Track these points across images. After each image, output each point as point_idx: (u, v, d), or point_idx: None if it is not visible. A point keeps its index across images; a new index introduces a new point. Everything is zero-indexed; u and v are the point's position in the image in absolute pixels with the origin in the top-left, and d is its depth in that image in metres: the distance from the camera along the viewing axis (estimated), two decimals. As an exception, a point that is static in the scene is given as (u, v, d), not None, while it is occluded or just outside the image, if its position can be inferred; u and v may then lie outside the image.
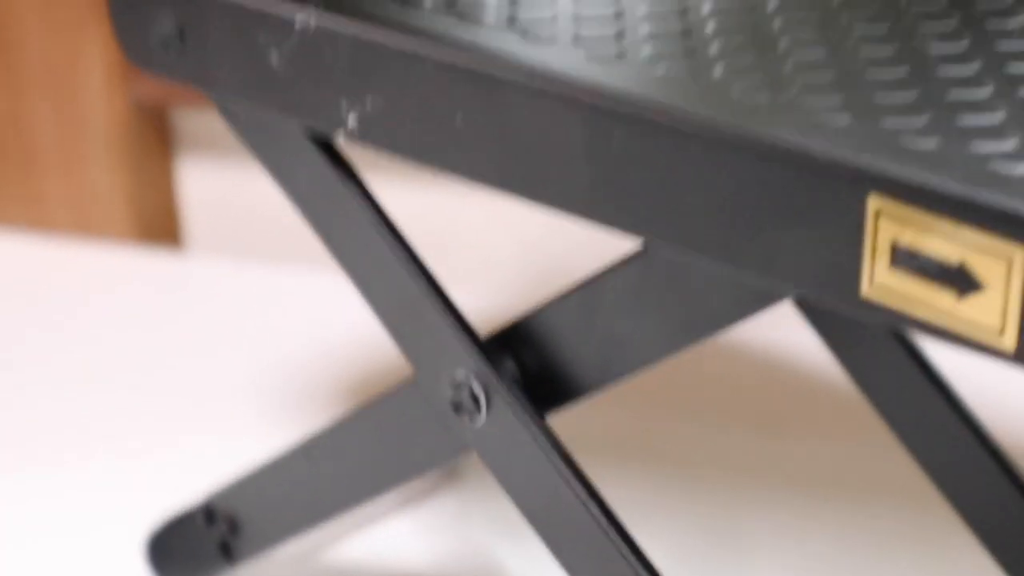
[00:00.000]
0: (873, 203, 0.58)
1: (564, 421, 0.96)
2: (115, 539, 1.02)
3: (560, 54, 0.67)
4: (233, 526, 0.91)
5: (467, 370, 0.75)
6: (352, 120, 0.73)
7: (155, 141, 1.38)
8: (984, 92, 0.64)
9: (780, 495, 1.05)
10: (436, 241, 1.27)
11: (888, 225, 0.58)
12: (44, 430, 1.14)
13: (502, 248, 1.29)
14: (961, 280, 0.57)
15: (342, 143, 0.78)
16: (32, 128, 1.39)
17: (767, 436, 1.10)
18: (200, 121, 1.36)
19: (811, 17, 0.71)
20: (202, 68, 0.79)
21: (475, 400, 0.75)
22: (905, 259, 0.58)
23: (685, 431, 1.11)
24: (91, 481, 1.08)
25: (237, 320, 1.28)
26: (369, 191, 0.78)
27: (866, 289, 0.59)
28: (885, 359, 0.90)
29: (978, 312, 0.57)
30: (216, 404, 1.17)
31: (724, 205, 0.62)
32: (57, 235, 1.40)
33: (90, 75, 1.36)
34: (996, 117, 0.62)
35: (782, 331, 1.16)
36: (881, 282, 0.59)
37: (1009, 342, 0.57)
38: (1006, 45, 0.68)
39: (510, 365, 0.77)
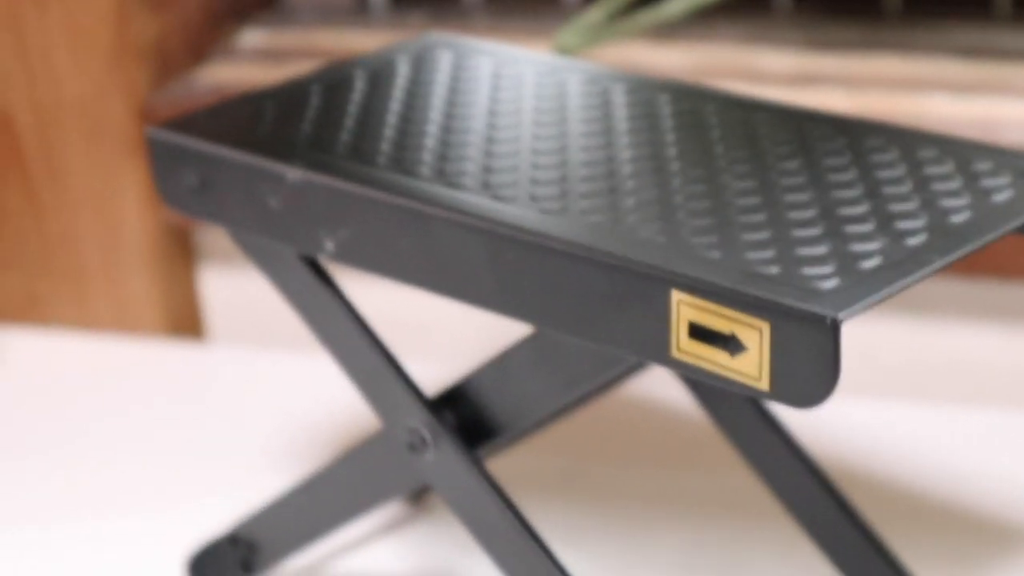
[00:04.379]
0: (675, 296, 0.82)
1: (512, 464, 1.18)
2: (165, 563, 1.19)
3: (472, 197, 0.90)
4: (251, 547, 1.10)
5: (417, 421, 0.98)
6: (330, 246, 0.94)
7: (181, 254, 1.51)
8: (760, 217, 0.87)
9: (676, 520, 1.23)
10: (416, 327, 1.47)
11: (686, 310, 0.82)
12: (97, 491, 1.30)
13: (466, 332, 1.48)
14: (733, 345, 0.80)
15: (324, 262, 0.99)
16: (80, 245, 1.51)
17: (668, 470, 1.30)
18: (216, 237, 1.49)
19: (648, 166, 0.94)
20: (219, 209, 0.99)
21: (424, 442, 0.98)
22: (697, 332, 0.82)
23: (607, 471, 1.30)
24: (142, 527, 1.25)
25: (252, 397, 1.44)
26: (344, 295, 0.99)
27: (675, 352, 0.83)
28: (745, 416, 1.11)
29: (744, 365, 0.80)
30: (237, 460, 1.33)
31: (582, 299, 0.85)
32: (100, 333, 1.52)
33: (128, 201, 1.48)
34: (763, 235, 0.86)
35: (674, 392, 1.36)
36: (683, 347, 0.82)
37: (765, 384, 0.80)
38: (784, 181, 0.91)
39: (449, 416, 1.00)
